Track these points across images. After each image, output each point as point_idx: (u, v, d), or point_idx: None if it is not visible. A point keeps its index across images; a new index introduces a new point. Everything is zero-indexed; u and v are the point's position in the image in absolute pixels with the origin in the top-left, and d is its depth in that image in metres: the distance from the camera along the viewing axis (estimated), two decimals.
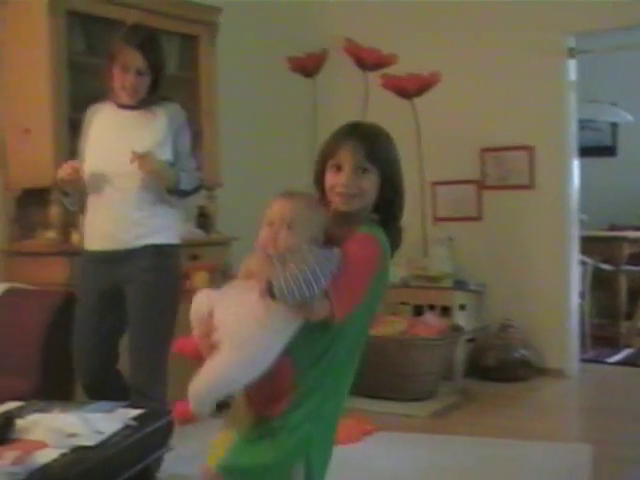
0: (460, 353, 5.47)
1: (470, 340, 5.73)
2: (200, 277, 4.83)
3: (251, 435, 2.01)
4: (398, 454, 4.01)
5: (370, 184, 2.05)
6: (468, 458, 3.95)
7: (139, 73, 3.28)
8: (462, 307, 5.76)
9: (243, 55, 5.77)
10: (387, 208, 2.10)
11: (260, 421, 2.01)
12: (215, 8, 5.10)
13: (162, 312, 3.32)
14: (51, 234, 4.29)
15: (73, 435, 2.43)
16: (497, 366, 5.61)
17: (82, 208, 3.42)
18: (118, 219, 3.27)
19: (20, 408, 2.73)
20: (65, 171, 3.23)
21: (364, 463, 3.86)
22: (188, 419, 2.02)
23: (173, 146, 3.35)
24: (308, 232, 1.98)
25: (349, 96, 6.24)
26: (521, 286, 5.84)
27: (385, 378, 5.02)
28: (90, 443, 2.41)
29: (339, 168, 2.04)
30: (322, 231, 2.01)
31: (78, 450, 2.37)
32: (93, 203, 3.34)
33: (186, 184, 3.37)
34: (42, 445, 2.38)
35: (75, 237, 4.29)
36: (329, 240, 2.01)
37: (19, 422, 2.55)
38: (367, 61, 5.86)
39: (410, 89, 5.70)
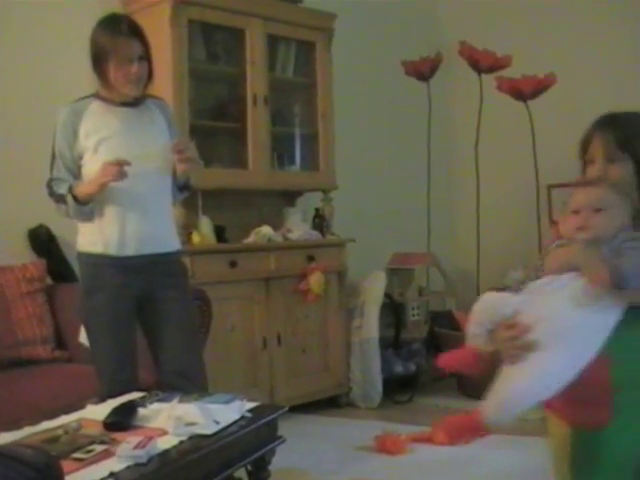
0: None
1: None
2: (316, 278, 4.93)
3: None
4: (510, 456, 4.00)
5: (620, 173, 1.95)
6: None
7: (141, 60, 3.10)
8: None
9: (358, 59, 5.85)
10: None
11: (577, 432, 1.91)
12: (330, 14, 5.20)
13: (193, 310, 3.42)
14: None
15: (192, 424, 2.52)
16: None
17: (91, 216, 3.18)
18: (155, 221, 3.20)
19: (143, 398, 2.85)
20: (114, 176, 3.01)
21: (475, 465, 3.87)
22: (469, 435, 1.93)
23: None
24: (619, 217, 1.88)
25: (463, 99, 6.25)
26: None
27: None
28: (207, 432, 2.50)
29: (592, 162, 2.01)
30: (629, 220, 1.90)
31: (196, 438, 2.47)
32: (117, 206, 3.14)
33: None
34: (162, 432, 2.49)
35: (196, 238, 4.46)
36: None
37: (142, 410, 2.68)
38: (482, 64, 5.83)
39: (525, 91, 5.65)
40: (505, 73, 5.77)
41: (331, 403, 5.16)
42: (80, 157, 3.15)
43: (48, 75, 4.44)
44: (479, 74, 5.91)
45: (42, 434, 2.48)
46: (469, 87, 6.04)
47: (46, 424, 2.61)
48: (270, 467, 2.84)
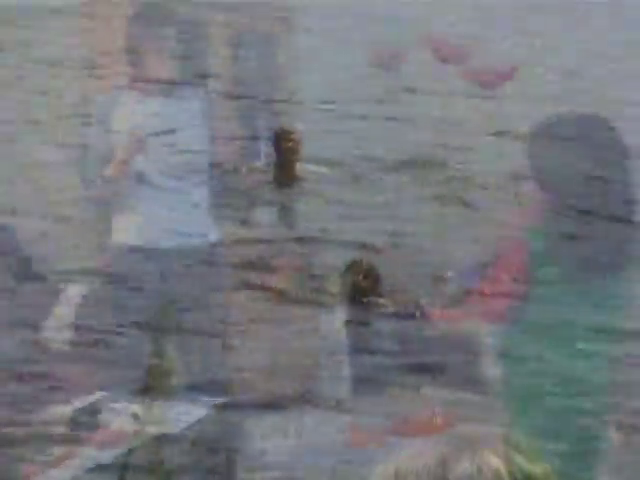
0: None
1: None
2: (283, 274, 4.90)
3: None
4: None
5: None
6: None
7: (176, 43, 3.18)
8: None
9: (325, 50, 5.83)
10: None
11: None
12: (294, 7, 5.17)
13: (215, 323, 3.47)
14: None
15: (157, 422, 2.50)
16: None
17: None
18: (186, 210, 3.22)
19: (107, 397, 2.81)
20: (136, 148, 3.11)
21: None
22: None
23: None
24: None
25: (430, 89, 6.24)
26: None
27: None
28: (173, 430, 2.49)
29: None
30: None
31: (162, 436, 2.45)
32: (147, 198, 3.17)
33: None
34: (127, 432, 2.46)
35: None
36: None
37: (106, 411, 2.64)
38: (448, 54, 5.85)
39: (491, 81, 5.67)
40: (470, 64, 5.80)
41: (301, 399, 5.13)
42: (112, 148, 3.15)
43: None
44: (444, 65, 5.92)
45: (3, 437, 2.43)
46: (435, 77, 6.04)
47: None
48: (237, 465, 2.82)
